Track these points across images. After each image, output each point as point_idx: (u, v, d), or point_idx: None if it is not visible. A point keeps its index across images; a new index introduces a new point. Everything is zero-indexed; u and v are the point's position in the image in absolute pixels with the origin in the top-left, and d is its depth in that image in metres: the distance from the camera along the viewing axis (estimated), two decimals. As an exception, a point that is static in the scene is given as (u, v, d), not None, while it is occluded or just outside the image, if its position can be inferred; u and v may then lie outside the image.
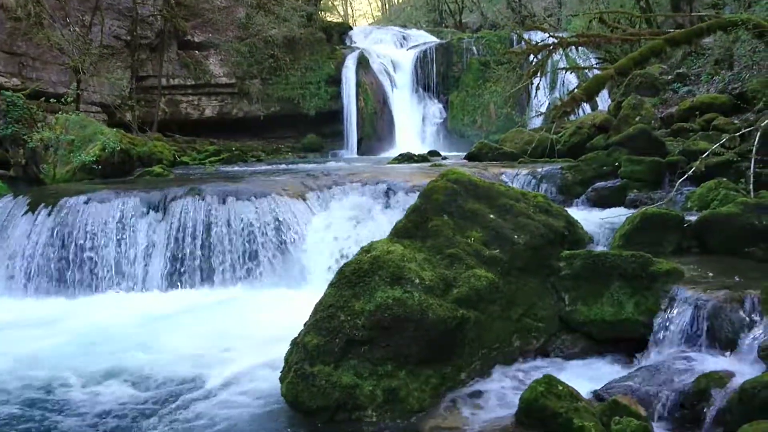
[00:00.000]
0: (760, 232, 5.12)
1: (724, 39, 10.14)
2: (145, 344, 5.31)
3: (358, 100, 19.57)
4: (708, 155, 6.82)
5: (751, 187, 6.03)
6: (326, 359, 3.85)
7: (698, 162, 6.47)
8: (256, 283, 7.13)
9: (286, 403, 3.90)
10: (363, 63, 20.14)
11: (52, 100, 11.23)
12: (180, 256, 7.27)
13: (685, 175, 6.48)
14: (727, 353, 3.81)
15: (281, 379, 3.99)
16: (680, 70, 12.39)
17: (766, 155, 6.78)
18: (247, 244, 7.25)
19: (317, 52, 20.76)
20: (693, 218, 5.53)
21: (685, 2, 13.87)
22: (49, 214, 7.52)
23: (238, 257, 7.23)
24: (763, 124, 6.49)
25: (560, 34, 10.55)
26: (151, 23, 17.60)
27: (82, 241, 7.29)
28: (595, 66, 14.69)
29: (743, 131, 7.21)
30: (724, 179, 6.62)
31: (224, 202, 7.47)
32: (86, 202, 7.59)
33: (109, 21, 16.32)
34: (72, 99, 12.25)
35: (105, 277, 7.22)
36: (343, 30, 24.38)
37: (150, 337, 5.47)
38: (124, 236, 7.36)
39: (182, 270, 7.24)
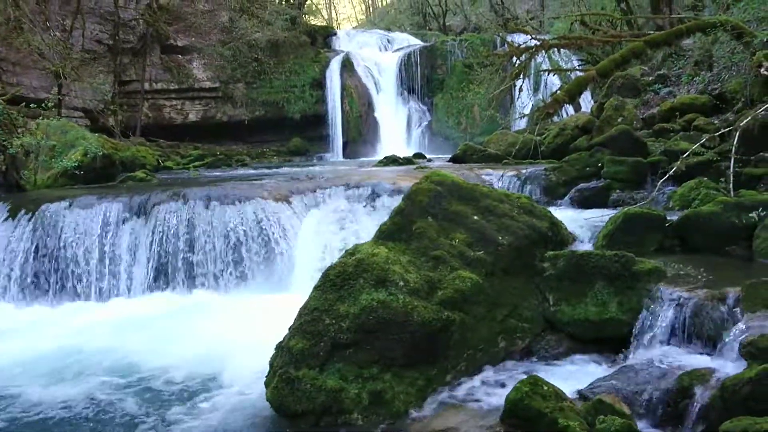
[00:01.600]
0: (740, 231, 5.18)
1: (703, 40, 10.26)
2: (127, 351, 5.26)
3: (342, 103, 19.57)
4: (688, 155, 6.89)
5: (731, 186, 6.10)
6: (311, 363, 3.83)
7: (679, 162, 6.54)
8: (240, 287, 7.09)
9: (272, 408, 3.88)
10: (347, 66, 20.15)
11: (32, 105, 11.10)
12: (163, 261, 7.21)
13: (667, 175, 6.55)
14: (710, 351, 3.85)
15: (266, 384, 3.97)
16: (661, 72, 12.52)
17: (745, 155, 6.88)
18: (231, 249, 7.21)
19: (301, 55, 20.74)
20: (675, 217, 5.58)
21: (665, 4, 14.03)
22: (29, 220, 7.43)
23: (222, 261, 7.18)
24: (741, 124, 6.58)
25: (543, 37, 10.65)
26: (134, 27, 17.48)
27: (63, 247, 7.21)
28: (577, 68, 14.82)
29: (723, 131, 7.31)
30: (705, 179, 6.69)
31: (208, 207, 7.42)
32: (68, 208, 7.50)
33: (90, 25, 16.20)
34: (53, 104, 12.09)
35: (87, 284, 7.15)
36: (327, 33, 24.37)
37: (131, 344, 5.41)
38: (107, 242, 7.28)
39: (166, 275, 7.18)
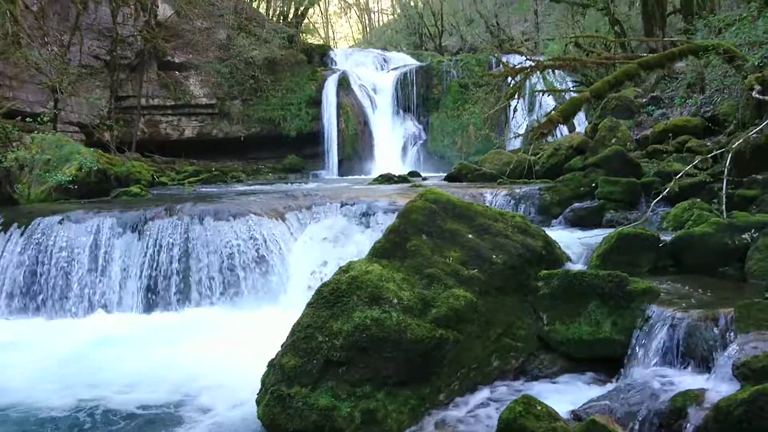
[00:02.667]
0: (733, 252, 5.21)
1: (695, 63, 10.38)
2: (117, 369, 5.20)
3: (338, 121, 19.66)
4: (681, 176, 6.94)
5: (724, 207, 6.14)
6: (303, 381, 3.80)
7: (672, 183, 6.58)
8: (234, 303, 7.06)
9: (263, 426, 3.84)
10: (344, 85, 20.28)
11: (28, 119, 11.11)
12: (156, 276, 7.17)
13: (660, 196, 6.58)
14: (703, 371, 3.84)
15: (257, 402, 3.93)
16: (654, 94, 12.66)
17: (738, 176, 6.93)
18: (225, 265, 7.19)
19: (298, 73, 20.86)
20: (668, 238, 5.61)
21: (658, 27, 14.23)
22: (21, 234, 7.39)
23: (216, 278, 7.16)
24: (734, 147, 6.64)
25: (537, 58, 10.76)
26: (131, 43, 17.57)
27: (55, 262, 7.16)
28: (571, 89, 14.96)
29: (715, 153, 7.37)
30: (698, 200, 6.73)
31: (202, 222, 7.41)
32: (61, 222, 7.47)
33: (88, 41, 16.27)
34: (49, 118, 12.12)
35: (78, 299, 7.09)
36: (324, 52, 24.55)
37: (122, 362, 5.35)
38: (99, 256, 7.24)
39: (159, 291, 7.14)
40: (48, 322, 6.90)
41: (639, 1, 15.81)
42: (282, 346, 4.07)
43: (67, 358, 5.56)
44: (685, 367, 3.94)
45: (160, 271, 7.15)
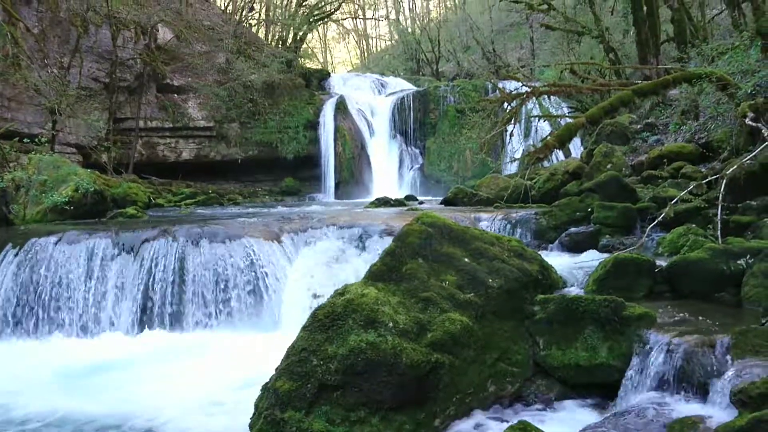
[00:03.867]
0: (729, 277, 5.21)
1: (689, 91, 10.50)
2: (108, 392, 5.14)
3: (336, 144, 19.77)
4: (677, 202, 6.97)
5: (719, 233, 6.15)
6: (298, 405, 3.76)
7: (668, 208, 6.61)
8: (229, 326, 7.00)
9: (256, 452, 3.78)
10: (341, 109, 20.44)
11: (26, 140, 11.13)
12: (151, 298, 7.13)
13: (656, 221, 6.60)
14: (700, 398, 3.81)
15: (251, 426, 3.88)
16: (649, 120, 12.78)
17: (732, 202, 6.97)
18: (220, 287, 7.15)
19: (296, 97, 21.04)
20: (664, 263, 5.61)
21: (652, 55, 14.43)
22: (16, 255, 7.35)
23: (211, 300, 7.11)
24: (728, 173, 6.68)
25: (533, 84, 10.86)
26: (131, 66, 17.72)
27: (49, 282, 7.11)
28: (567, 114, 15.10)
29: (710, 179, 7.41)
30: (693, 225, 6.75)
31: (197, 244, 7.39)
32: (56, 243, 7.44)
33: (88, 63, 16.41)
34: (46, 140, 12.15)
35: (72, 320, 7.03)
36: (322, 76, 24.79)
37: (113, 385, 5.29)
38: (94, 278, 7.20)
39: (153, 313, 7.09)
40: (39, 344, 6.82)
41: (633, 30, 16.04)
42: (276, 369, 4.03)
43: (53, 380, 5.48)
44: (682, 394, 3.91)
45: (154, 293, 7.11)
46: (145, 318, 7.08)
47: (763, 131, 7.24)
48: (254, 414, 3.92)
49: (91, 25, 16.33)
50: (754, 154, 6.86)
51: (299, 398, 3.76)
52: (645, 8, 15.00)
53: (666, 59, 15.16)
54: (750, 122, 7.56)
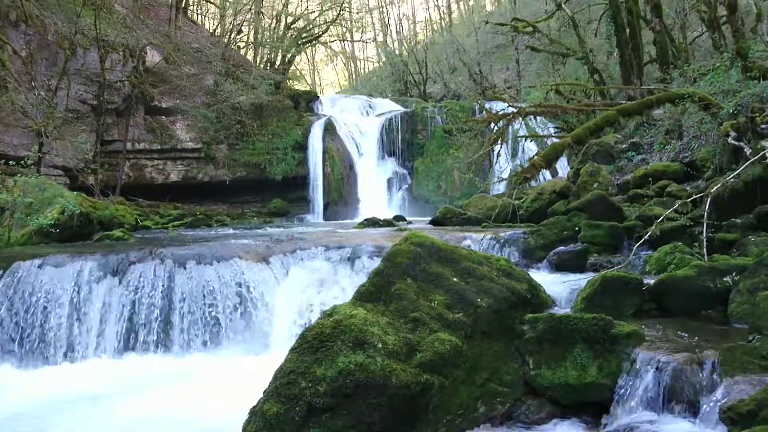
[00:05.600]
0: (715, 295, 5.25)
1: (673, 111, 10.67)
2: (93, 419, 5.04)
3: (324, 165, 19.81)
4: (662, 220, 7.03)
5: (705, 251, 6.21)
6: (286, 428, 3.70)
7: (654, 227, 6.66)
8: (216, 349, 6.91)
9: (243, 477, 3.72)
10: (330, 130, 20.53)
11: (11, 162, 11.05)
12: (137, 322, 7.02)
13: (642, 240, 6.64)
14: (690, 416, 3.81)
15: (238, 451, 3.82)
16: (634, 140, 12.95)
17: (717, 220, 7.04)
18: (207, 310, 7.07)
19: (284, 118, 21.12)
20: (651, 281, 5.64)
21: (636, 76, 14.66)
22: (0, 278, 7.24)
23: (198, 323, 7.03)
24: (712, 191, 6.76)
25: (519, 104, 10.99)
26: (119, 89, 17.71)
27: (34, 306, 7.00)
28: (553, 134, 15.26)
29: (695, 197, 7.49)
30: (680, 243, 6.80)
31: (185, 267, 7.32)
32: (40, 266, 7.34)
33: (75, 85, 16.39)
34: (32, 162, 12.06)
35: (56, 346, 6.91)
36: (310, 98, 24.93)
37: (99, 410, 5.20)
38: (79, 301, 7.10)
39: (139, 338, 6.97)
40: (22, 371, 6.69)
41: (617, 52, 16.33)
42: (264, 392, 3.98)
43: (33, 411, 5.36)
44: (671, 412, 3.91)
45: (141, 317, 7.02)
46: (131, 342, 6.97)
47: (745, 150, 7.36)
48: (242, 438, 3.86)
49: (79, 47, 16.34)
50: (737, 172, 6.96)
51: (287, 422, 3.72)
52: (628, 31, 15.29)
53: (649, 80, 15.41)
54: (733, 141, 7.68)
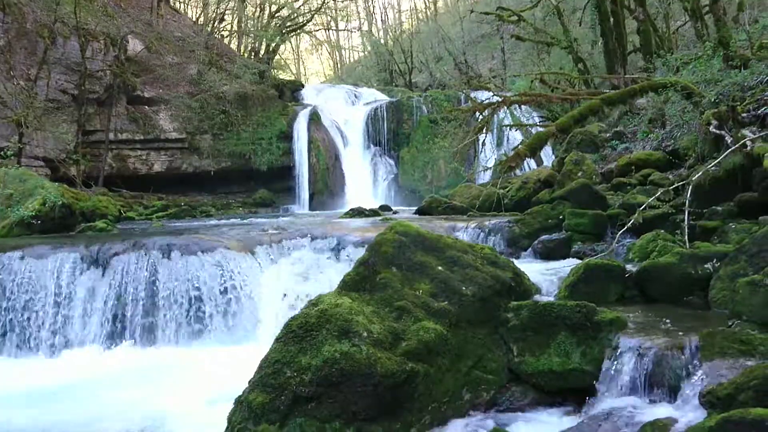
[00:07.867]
0: (696, 281, 5.31)
1: (656, 100, 10.74)
2: (77, 410, 5.01)
3: (310, 155, 19.71)
4: (645, 208, 7.09)
5: (686, 238, 6.28)
6: (271, 418, 3.71)
7: (636, 215, 6.72)
8: (202, 339, 6.90)
9: (229, 467, 3.72)
10: (315, 119, 20.41)
11: (-9, 153, 10.89)
12: (122, 314, 6.99)
13: (625, 227, 6.70)
14: (671, 400, 3.86)
15: (224, 441, 3.82)
16: (617, 129, 13.03)
17: (699, 208, 7.12)
18: (193, 300, 7.04)
19: (269, 108, 20.95)
20: (634, 268, 5.70)
21: (619, 65, 14.74)
22: (-20, 271, 7.15)
23: (184, 313, 7.00)
24: (694, 179, 6.83)
25: (504, 94, 11.02)
26: (100, 78, 17.46)
27: (14, 299, 6.93)
28: (538, 123, 15.32)
29: (677, 185, 7.56)
30: (662, 231, 6.87)
31: (169, 257, 7.28)
32: (22, 258, 7.26)
33: (56, 75, 16.13)
34: (12, 153, 11.89)
35: (38, 338, 6.85)
36: (295, 87, 24.76)
37: (84, 401, 5.17)
38: (62, 293, 7.04)
39: (124, 329, 6.95)
40: (5, 362, 6.63)
41: (601, 41, 16.38)
42: (249, 382, 3.97)
43: (16, 403, 5.32)
44: (653, 396, 3.96)
45: (124, 308, 6.97)
46: (116, 333, 6.93)
47: (726, 138, 7.43)
48: (227, 428, 3.86)
49: (58, 36, 16.07)
50: (718, 160, 7.03)
51: (273, 411, 3.72)
52: (612, 20, 15.34)
53: (633, 69, 15.50)
54: (714, 130, 7.75)
